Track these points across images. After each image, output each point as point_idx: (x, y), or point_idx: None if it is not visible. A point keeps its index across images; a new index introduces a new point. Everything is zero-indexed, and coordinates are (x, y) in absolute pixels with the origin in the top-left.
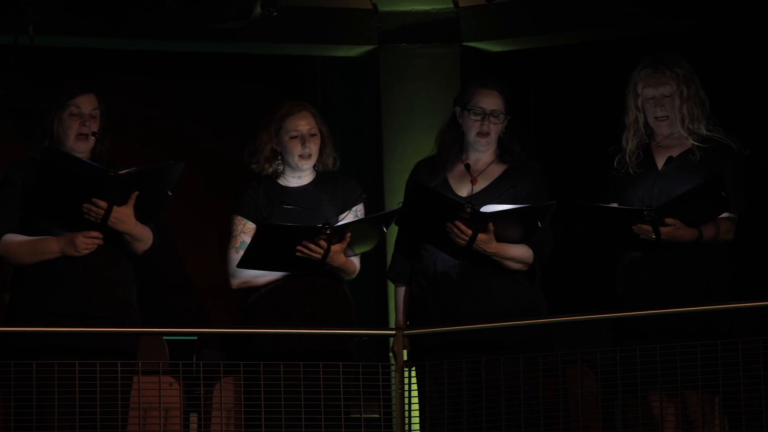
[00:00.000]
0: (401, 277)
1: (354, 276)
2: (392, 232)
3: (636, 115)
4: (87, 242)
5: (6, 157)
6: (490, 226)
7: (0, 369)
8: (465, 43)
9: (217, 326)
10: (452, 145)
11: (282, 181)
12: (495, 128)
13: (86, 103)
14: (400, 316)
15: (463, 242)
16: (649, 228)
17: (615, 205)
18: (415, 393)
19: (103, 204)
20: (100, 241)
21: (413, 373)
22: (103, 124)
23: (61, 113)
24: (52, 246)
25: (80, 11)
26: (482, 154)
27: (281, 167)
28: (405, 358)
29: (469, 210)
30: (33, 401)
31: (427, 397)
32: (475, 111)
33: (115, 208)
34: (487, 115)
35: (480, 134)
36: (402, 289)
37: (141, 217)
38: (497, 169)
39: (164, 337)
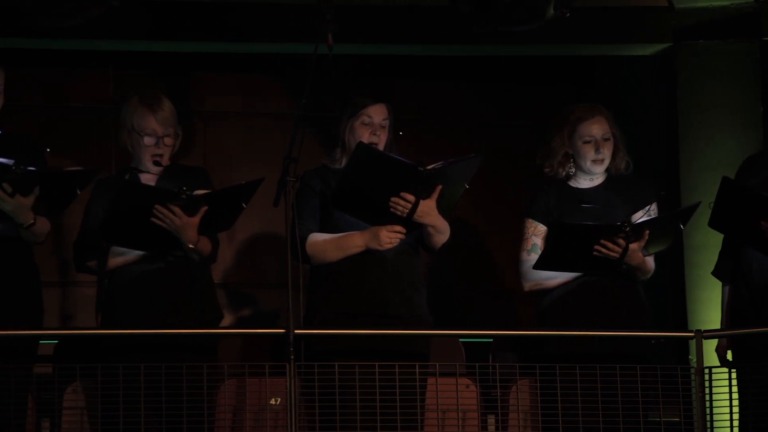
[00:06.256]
0: (725, 276)
1: (649, 276)
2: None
3: None
4: (390, 236)
5: (304, 163)
6: None
7: (305, 370)
8: (766, 38)
9: (509, 328)
10: None
11: (573, 183)
12: None
13: (377, 113)
14: (724, 316)
15: None
16: None
17: None
18: (717, 395)
19: (411, 198)
20: (402, 236)
21: (720, 376)
22: (390, 134)
23: (353, 121)
24: (356, 240)
25: (374, 20)
26: None
27: (573, 170)
28: (729, 358)
29: None
30: (336, 400)
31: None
32: None
33: (421, 201)
34: None
35: None
36: (726, 289)
37: (439, 209)
38: None
39: (460, 339)
